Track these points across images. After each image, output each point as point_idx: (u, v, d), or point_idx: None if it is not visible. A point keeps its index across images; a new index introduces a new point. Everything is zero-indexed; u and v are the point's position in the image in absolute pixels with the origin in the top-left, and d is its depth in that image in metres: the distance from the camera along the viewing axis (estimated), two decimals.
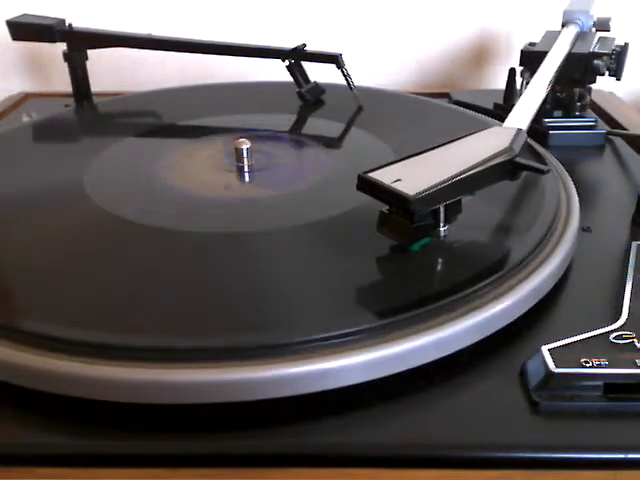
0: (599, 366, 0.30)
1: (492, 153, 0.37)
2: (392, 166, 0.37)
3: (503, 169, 0.37)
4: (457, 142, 0.40)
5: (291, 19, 0.80)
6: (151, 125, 0.60)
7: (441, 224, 0.37)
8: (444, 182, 0.35)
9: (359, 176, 0.36)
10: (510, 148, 0.38)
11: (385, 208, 0.37)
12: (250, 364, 0.29)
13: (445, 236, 0.38)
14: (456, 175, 0.35)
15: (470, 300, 0.33)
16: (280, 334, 0.31)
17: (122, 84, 0.78)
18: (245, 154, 0.49)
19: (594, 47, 0.59)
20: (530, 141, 0.53)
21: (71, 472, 0.28)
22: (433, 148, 0.39)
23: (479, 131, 0.41)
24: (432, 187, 0.34)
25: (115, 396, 0.30)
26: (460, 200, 0.37)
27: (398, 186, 0.34)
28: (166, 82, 0.73)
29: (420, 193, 0.34)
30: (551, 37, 0.61)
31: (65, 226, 0.42)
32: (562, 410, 0.30)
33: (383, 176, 0.36)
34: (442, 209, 0.37)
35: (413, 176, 0.35)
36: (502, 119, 0.46)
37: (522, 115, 0.46)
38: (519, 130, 0.41)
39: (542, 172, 0.37)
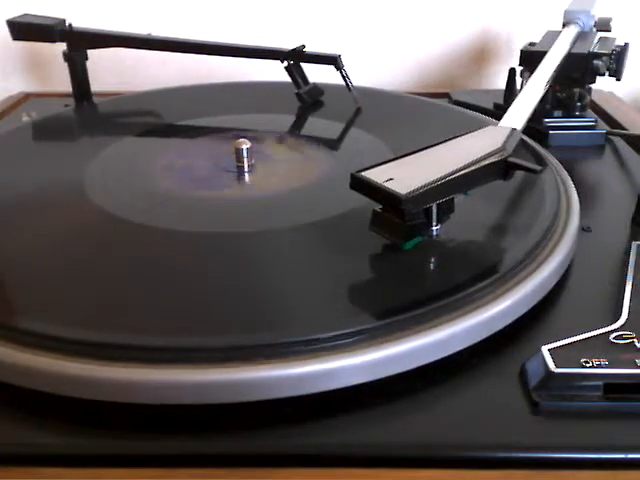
0: (599, 366, 0.30)
1: (485, 153, 0.37)
2: (385, 165, 0.37)
3: (496, 169, 0.37)
4: (451, 141, 0.40)
5: (290, 20, 0.80)
6: (151, 125, 0.60)
7: (433, 223, 0.37)
8: (436, 181, 0.35)
9: (352, 175, 0.36)
10: (503, 148, 0.38)
11: (378, 207, 0.37)
12: (250, 364, 0.29)
13: (438, 235, 0.38)
14: (448, 174, 0.35)
15: (470, 300, 0.33)
16: (280, 334, 0.31)
17: (122, 84, 0.78)
18: (245, 154, 0.49)
19: (594, 47, 0.59)
20: (530, 141, 0.53)
21: (71, 472, 0.28)
22: (427, 147, 0.39)
23: (473, 130, 0.41)
24: (424, 186, 0.34)
25: (115, 396, 0.30)
26: (453, 199, 0.37)
27: (390, 185, 0.35)
28: (166, 82, 0.73)
29: (412, 192, 0.34)
30: (551, 37, 0.61)
31: (65, 226, 0.42)
32: (562, 410, 0.30)
33: (376, 175, 0.36)
34: (434, 208, 0.37)
35: (405, 175, 0.36)
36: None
37: (518, 114, 0.46)
38: (513, 130, 0.41)
39: (535, 172, 0.37)
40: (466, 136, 0.41)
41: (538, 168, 0.37)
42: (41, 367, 0.30)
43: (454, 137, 0.40)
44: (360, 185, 0.36)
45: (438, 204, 0.37)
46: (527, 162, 0.38)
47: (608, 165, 0.56)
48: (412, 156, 0.38)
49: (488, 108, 0.65)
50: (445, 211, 0.37)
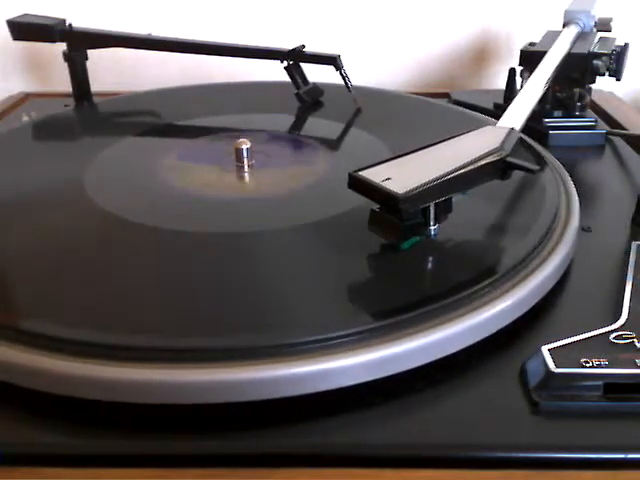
0: (599, 366, 0.31)
1: (483, 152, 0.37)
2: (383, 165, 0.37)
3: (494, 168, 0.37)
4: (449, 141, 0.40)
5: (290, 20, 0.80)
6: (151, 125, 0.60)
7: (431, 223, 0.37)
8: (433, 181, 0.35)
9: (350, 174, 0.36)
10: (501, 147, 0.38)
11: (376, 206, 0.37)
12: (250, 364, 0.29)
13: (435, 235, 0.38)
14: (446, 174, 0.35)
15: (470, 300, 0.33)
16: (279, 334, 0.31)
17: (122, 84, 0.78)
18: (245, 154, 0.49)
19: (594, 47, 0.59)
20: (530, 141, 0.53)
21: (71, 472, 0.28)
22: (425, 147, 0.39)
23: (472, 130, 0.41)
24: (421, 186, 0.34)
25: (115, 396, 0.30)
26: (451, 199, 0.37)
27: (388, 185, 0.35)
28: (166, 82, 0.73)
29: (409, 192, 0.34)
30: (551, 37, 0.61)
31: (65, 226, 0.42)
32: (562, 410, 0.30)
33: (373, 175, 0.36)
34: (432, 208, 0.37)
35: (403, 175, 0.36)
36: None
37: (516, 114, 0.46)
38: (511, 129, 0.41)
39: (533, 172, 0.37)
40: (464, 136, 0.41)
41: (536, 168, 0.37)
42: (41, 367, 0.30)
43: (452, 137, 0.40)
44: (358, 184, 0.36)
45: (436, 204, 0.37)
46: (525, 162, 0.37)
47: (608, 165, 0.56)
48: (410, 156, 0.38)
49: (488, 108, 0.65)
50: (443, 211, 0.37)
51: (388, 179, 0.35)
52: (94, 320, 0.32)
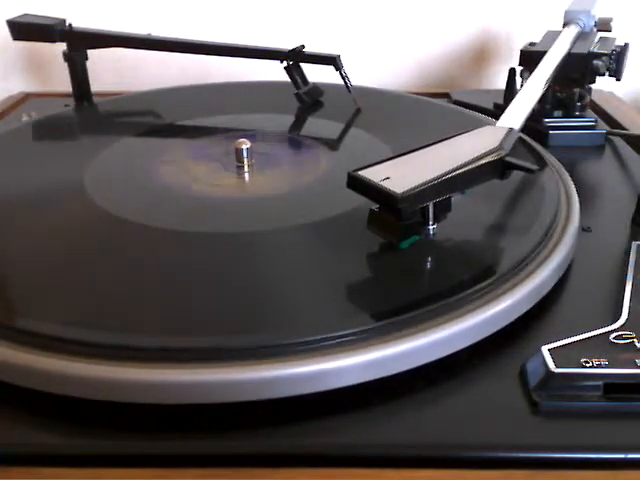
0: (599, 366, 0.31)
1: (482, 152, 0.37)
2: (382, 164, 0.37)
3: (493, 168, 0.37)
4: (448, 141, 0.40)
5: (290, 20, 0.80)
6: (151, 125, 0.60)
7: (430, 222, 0.37)
8: (432, 180, 0.35)
9: (349, 174, 0.36)
10: (500, 147, 0.38)
11: (375, 206, 0.37)
12: (250, 364, 0.29)
13: (434, 234, 0.38)
14: (445, 174, 0.35)
15: (470, 300, 0.33)
16: (279, 334, 0.31)
17: (122, 84, 0.78)
18: (245, 154, 0.49)
19: (594, 47, 0.59)
20: (530, 141, 0.53)
21: (71, 472, 0.28)
22: (424, 147, 0.39)
23: (471, 130, 0.41)
24: (420, 185, 0.34)
25: (115, 396, 0.30)
26: (450, 198, 0.37)
27: (386, 184, 0.35)
28: (166, 82, 0.73)
29: (408, 191, 0.34)
30: (551, 37, 0.61)
31: (65, 226, 0.42)
32: (562, 410, 0.30)
33: (372, 174, 0.36)
34: (431, 207, 0.37)
35: (402, 174, 0.36)
36: None
37: (516, 114, 0.46)
38: (511, 129, 0.41)
39: (532, 172, 0.37)
40: (463, 135, 0.40)
41: (535, 168, 0.37)
42: (41, 367, 0.30)
43: (451, 136, 0.40)
44: (357, 184, 0.36)
45: (435, 203, 0.37)
46: (524, 162, 0.37)
47: (608, 165, 0.56)
48: (409, 155, 0.38)
49: (488, 108, 0.65)
50: (442, 210, 0.38)
51: (387, 179, 0.35)
52: (93, 320, 0.32)
